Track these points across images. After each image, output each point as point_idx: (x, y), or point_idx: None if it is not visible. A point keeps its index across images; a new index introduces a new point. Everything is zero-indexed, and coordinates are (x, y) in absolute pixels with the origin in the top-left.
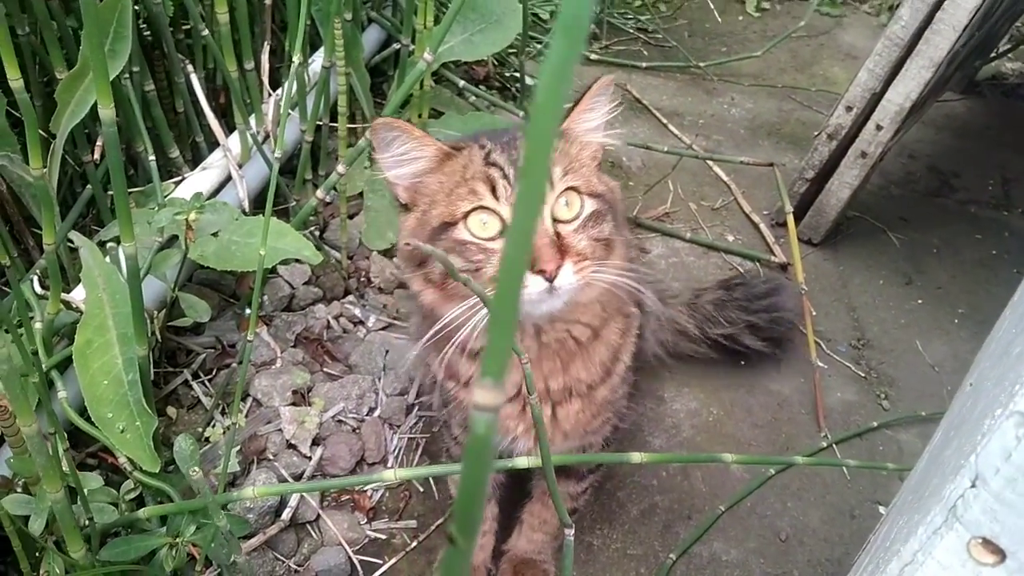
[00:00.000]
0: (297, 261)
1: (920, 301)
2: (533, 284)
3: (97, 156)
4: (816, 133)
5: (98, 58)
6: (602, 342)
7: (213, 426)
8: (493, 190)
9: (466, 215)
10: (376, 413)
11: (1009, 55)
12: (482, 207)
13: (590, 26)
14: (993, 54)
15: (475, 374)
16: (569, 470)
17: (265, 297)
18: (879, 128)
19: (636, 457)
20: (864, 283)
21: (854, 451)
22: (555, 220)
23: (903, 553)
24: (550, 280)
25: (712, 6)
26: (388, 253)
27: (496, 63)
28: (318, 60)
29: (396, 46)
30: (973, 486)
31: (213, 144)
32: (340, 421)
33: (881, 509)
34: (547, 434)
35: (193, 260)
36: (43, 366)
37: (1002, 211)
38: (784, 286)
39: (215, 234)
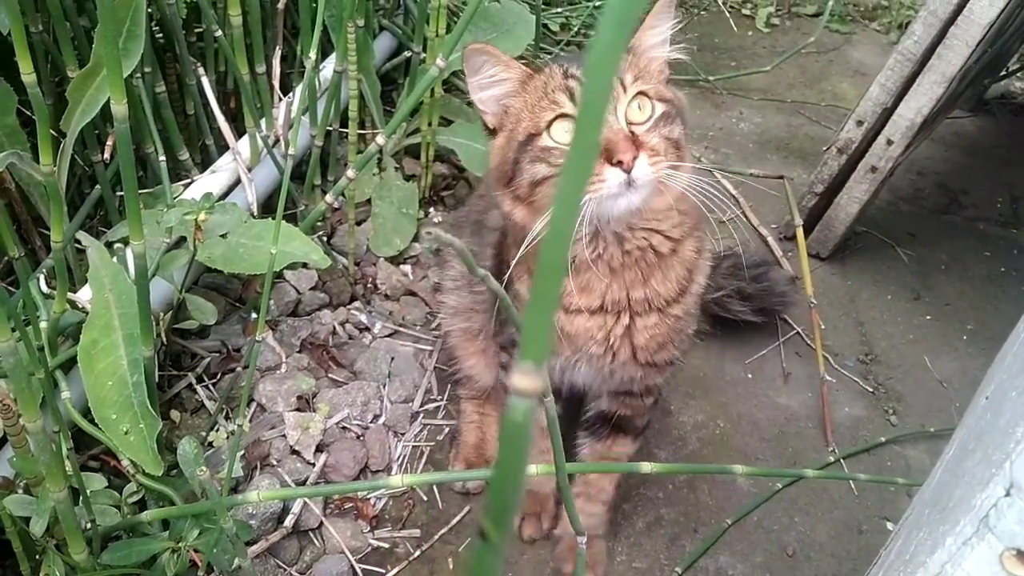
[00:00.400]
0: (304, 266)
1: (928, 317)
2: (611, 176)
3: (107, 156)
4: (826, 147)
5: (112, 53)
6: (679, 258)
7: (217, 431)
8: (572, 98)
9: (549, 124)
10: (381, 420)
11: (1018, 74)
12: (563, 115)
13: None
14: (1003, 72)
15: (569, 287)
16: (627, 423)
17: (271, 302)
18: (890, 143)
19: (646, 467)
20: (872, 298)
21: (862, 466)
22: (628, 123)
23: (930, 565)
24: (627, 171)
25: (729, 18)
26: (395, 260)
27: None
28: (329, 66)
29: (407, 54)
30: (1007, 495)
31: (223, 147)
32: (344, 428)
33: (889, 525)
34: (610, 361)
35: (200, 262)
36: (48, 365)
37: (1011, 228)
38: (774, 264)
39: (224, 236)
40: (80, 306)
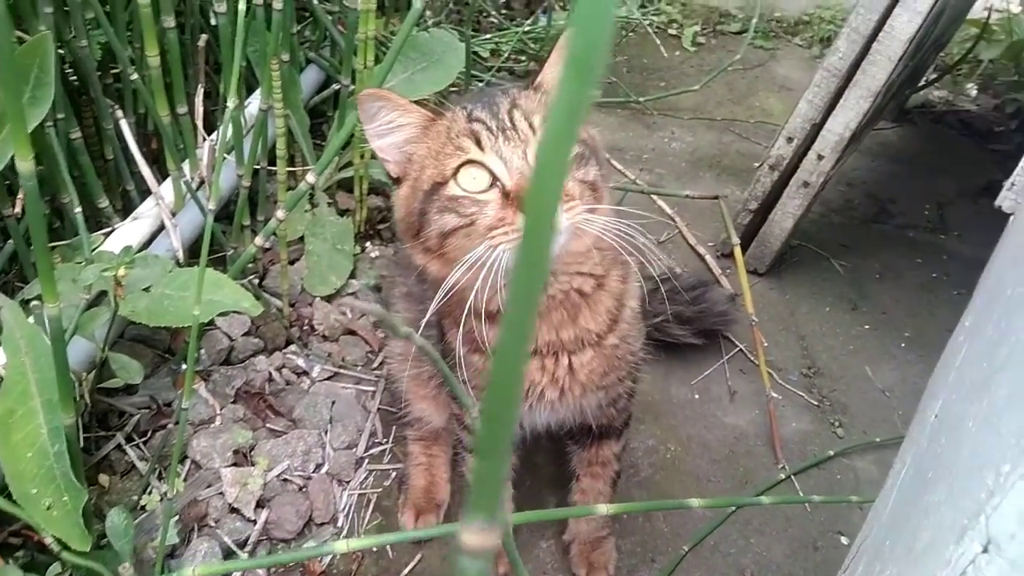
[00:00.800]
0: (236, 311)
1: (867, 327)
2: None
3: (19, 210)
4: (758, 164)
5: (15, 107)
6: (605, 291)
7: (149, 493)
8: (478, 143)
9: (455, 171)
10: (324, 469)
11: (936, 84)
12: (469, 161)
13: (531, 65)
14: (922, 83)
15: (492, 336)
16: (606, 430)
17: (202, 351)
18: (820, 158)
19: (602, 509)
20: (811, 311)
21: (812, 482)
22: None
23: None
24: None
25: (656, 39)
26: (331, 299)
27: (436, 102)
28: (254, 102)
29: (336, 87)
30: (985, 551)
31: (145, 192)
32: (286, 480)
33: (843, 539)
34: (563, 398)
35: (124, 317)
36: None
37: (939, 235)
38: (711, 283)
39: (147, 289)
40: None
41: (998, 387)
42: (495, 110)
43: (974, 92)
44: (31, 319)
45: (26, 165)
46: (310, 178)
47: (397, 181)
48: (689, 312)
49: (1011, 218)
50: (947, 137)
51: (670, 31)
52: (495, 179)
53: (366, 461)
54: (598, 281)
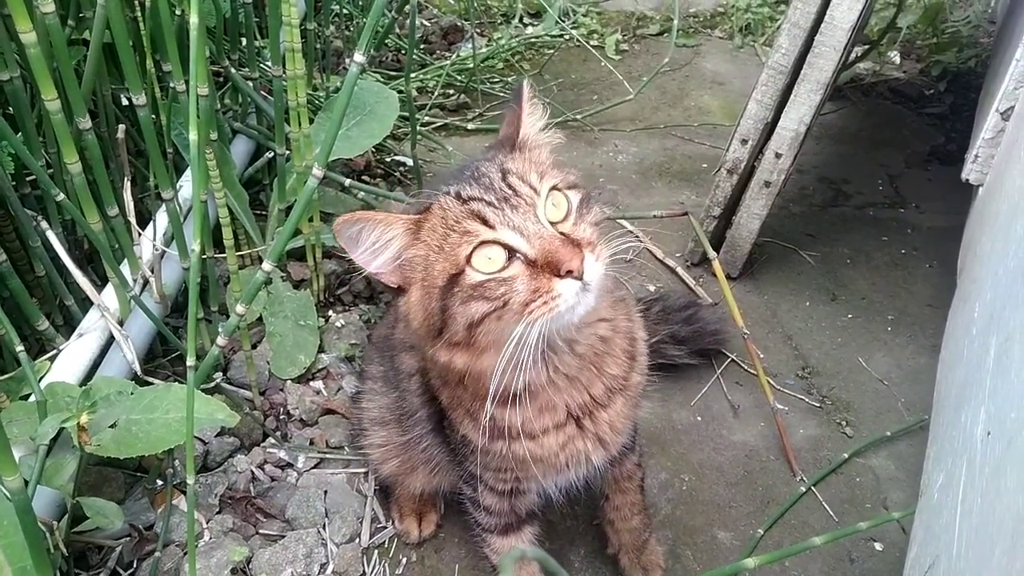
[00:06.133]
0: None
1: (849, 316)
2: (566, 289)
3: None
4: (715, 170)
5: None
6: (619, 333)
7: None
8: (485, 221)
9: (469, 257)
10: (329, 570)
11: (862, 58)
12: (483, 242)
13: (461, 98)
14: (850, 58)
15: (519, 419)
16: (624, 448)
17: (175, 462)
18: (779, 156)
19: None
20: (792, 308)
21: (832, 489)
22: (551, 224)
23: None
24: (580, 277)
25: (583, 55)
26: (302, 379)
27: (374, 150)
28: (186, 185)
29: (269, 155)
30: None
31: (85, 301)
32: None
33: (877, 546)
34: (603, 451)
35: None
36: None
37: (898, 209)
38: (700, 302)
39: (112, 425)
40: None
41: None
42: (487, 182)
43: (898, 59)
44: None
45: None
46: (266, 266)
47: (400, 290)
48: (684, 332)
49: (979, 189)
50: (882, 108)
51: (592, 42)
52: (512, 252)
53: (375, 552)
54: (611, 324)
